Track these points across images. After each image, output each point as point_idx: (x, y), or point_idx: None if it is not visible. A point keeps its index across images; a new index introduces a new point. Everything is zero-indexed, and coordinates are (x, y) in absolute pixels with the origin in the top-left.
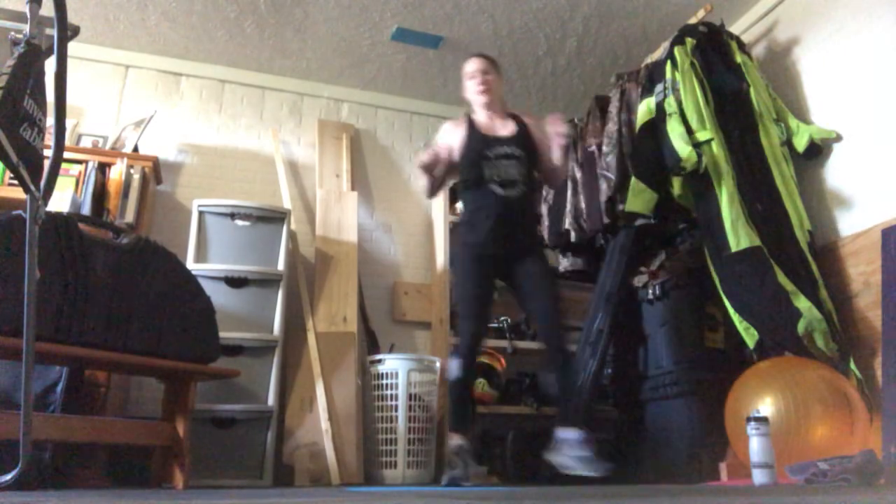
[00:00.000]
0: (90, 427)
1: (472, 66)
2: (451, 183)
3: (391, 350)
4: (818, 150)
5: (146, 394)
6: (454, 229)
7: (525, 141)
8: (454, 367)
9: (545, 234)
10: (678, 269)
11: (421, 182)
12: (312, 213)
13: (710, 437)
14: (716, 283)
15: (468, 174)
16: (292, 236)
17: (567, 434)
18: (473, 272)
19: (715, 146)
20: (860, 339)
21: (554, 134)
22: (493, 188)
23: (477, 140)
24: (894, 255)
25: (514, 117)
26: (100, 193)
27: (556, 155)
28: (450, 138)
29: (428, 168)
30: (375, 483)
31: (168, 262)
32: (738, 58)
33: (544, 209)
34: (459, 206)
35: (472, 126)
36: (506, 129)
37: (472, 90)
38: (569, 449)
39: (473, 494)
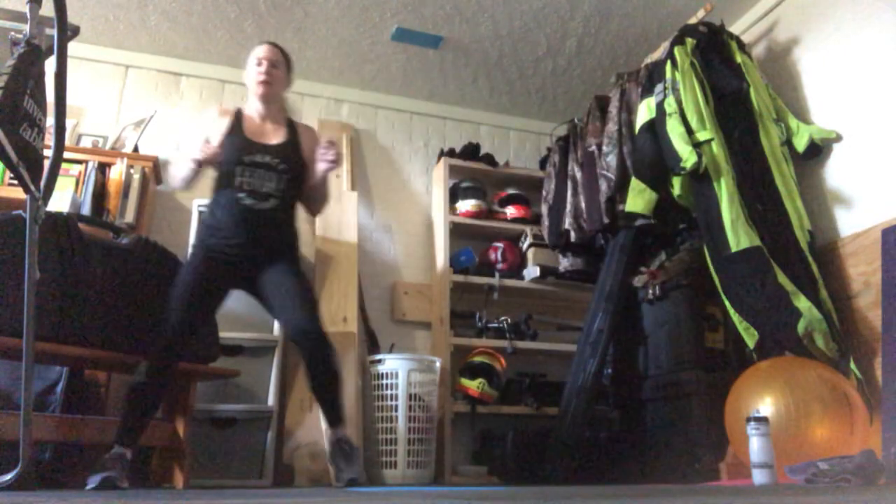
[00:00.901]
0: (90, 427)
1: (261, 51)
2: (202, 176)
3: (391, 350)
4: (818, 150)
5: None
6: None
7: (291, 153)
8: (141, 370)
9: (545, 234)
10: (678, 269)
11: (180, 172)
12: None
13: (710, 437)
14: (716, 283)
15: (220, 176)
16: None
17: (334, 435)
18: (198, 275)
19: (715, 146)
20: (860, 339)
21: (320, 158)
22: (240, 196)
23: (237, 140)
24: (894, 255)
25: (291, 125)
26: (100, 193)
27: (318, 177)
28: (211, 128)
29: (200, 165)
30: (375, 483)
31: (168, 262)
32: (738, 58)
33: (544, 209)
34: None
35: (237, 123)
36: (275, 136)
37: (253, 77)
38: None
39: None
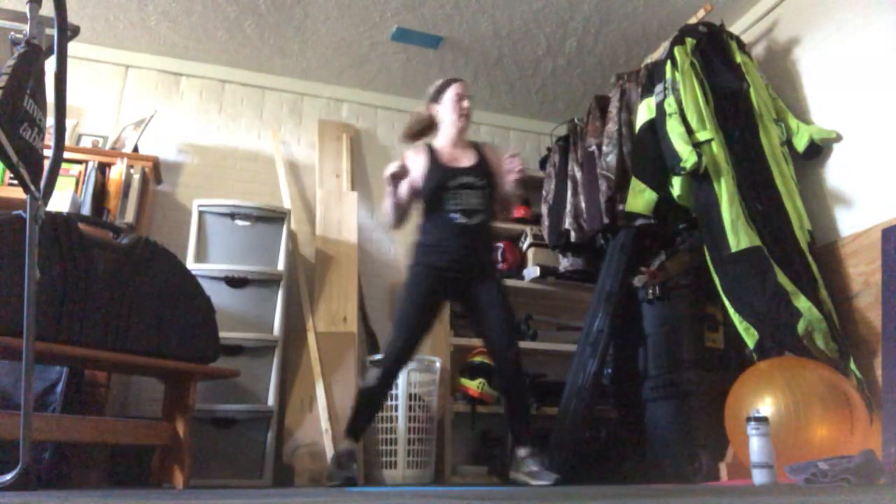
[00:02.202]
0: (90, 427)
1: (461, 88)
2: (413, 212)
3: None
4: (818, 150)
5: (146, 394)
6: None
7: (485, 171)
8: (372, 375)
9: (545, 234)
10: (678, 269)
11: (387, 205)
12: (312, 213)
13: (710, 437)
14: (716, 283)
15: (430, 203)
16: (292, 236)
17: (522, 452)
18: (423, 291)
19: (715, 146)
20: (860, 339)
21: (508, 171)
22: (454, 217)
23: (438, 170)
24: (894, 255)
25: (475, 147)
26: (100, 193)
27: (509, 188)
28: (412, 168)
29: (396, 179)
30: (375, 483)
31: (168, 262)
32: (738, 58)
33: (544, 209)
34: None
35: (433, 155)
36: (466, 158)
37: (456, 111)
38: (524, 465)
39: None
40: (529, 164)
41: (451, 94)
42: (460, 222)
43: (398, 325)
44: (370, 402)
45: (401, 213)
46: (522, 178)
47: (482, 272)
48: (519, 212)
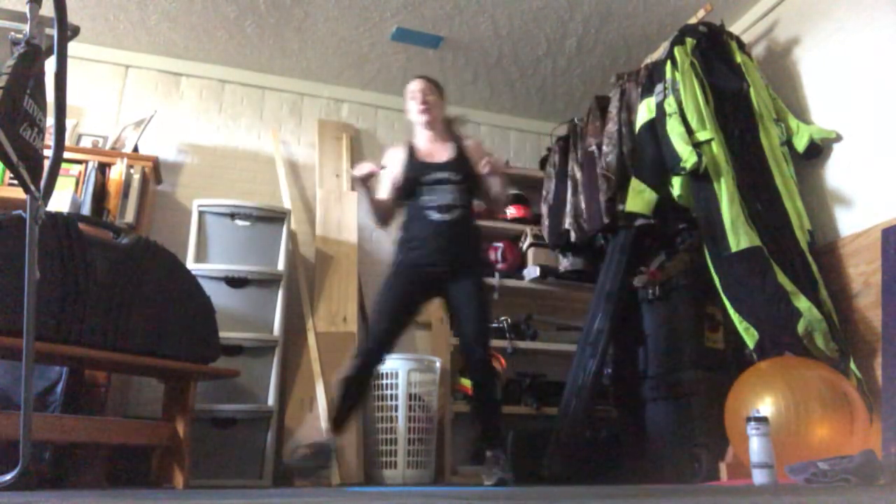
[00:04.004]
0: (90, 427)
1: (413, 86)
2: (398, 211)
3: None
4: (818, 150)
5: (146, 394)
6: None
7: (462, 165)
8: (346, 366)
9: (545, 234)
10: (678, 269)
11: (364, 206)
12: (312, 213)
13: (710, 437)
14: (716, 283)
15: (406, 199)
16: (292, 236)
17: (489, 454)
18: (399, 288)
19: (715, 146)
20: (860, 339)
21: (484, 170)
22: (430, 213)
23: (413, 166)
24: (894, 255)
25: (456, 141)
26: (100, 193)
27: (493, 186)
28: (392, 165)
29: (363, 181)
30: (375, 483)
31: (168, 262)
32: (738, 58)
33: (544, 209)
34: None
35: (410, 152)
36: (445, 152)
37: (413, 110)
38: (489, 467)
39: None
40: (529, 164)
41: (408, 92)
42: (435, 218)
43: (372, 319)
44: (344, 394)
45: (383, 213)
46: (498, 173)
47: (461, 269)
48: (519, 212)
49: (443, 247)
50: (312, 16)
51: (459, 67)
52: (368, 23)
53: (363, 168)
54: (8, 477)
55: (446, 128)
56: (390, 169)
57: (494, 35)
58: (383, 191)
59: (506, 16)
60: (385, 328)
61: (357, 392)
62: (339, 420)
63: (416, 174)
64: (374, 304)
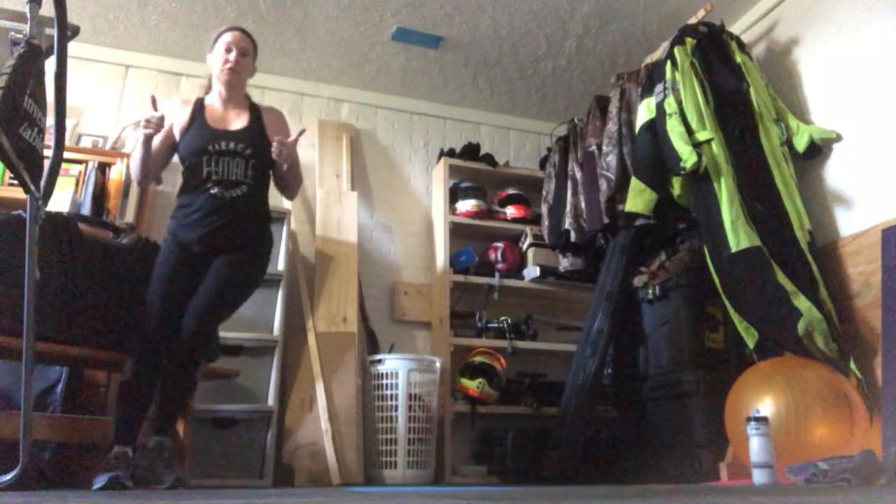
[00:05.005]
0: (90, 427)
1: (229, 37)
2: (164, 169)
3: (391, 350)
4: (818, 150)
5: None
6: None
7: (256, 137)
8: (127, 367)
9: (545, 234)
10: (678, 269)
11: (135, 158)
12: (312, 213)
13: (710, 437)
14: (716, 283)
15: (186, 168)
16: (292, 236)
17: (152, 442)
18: (170, 269)
19: (715, 146)
20: (860, 339)
21: (274, 154)
22: (210, 188)
23: (200, 129)
24: (894, 255)
25: (255, 110)
26: (100, 193)
27: (279, 164)
28: (173, 117)
29: (149, 138)
30: (375, 483)
31: None
32: (738, 58)
33: (544, 209)
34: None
35: (199, 112)
36: (238, 121)
37: (219, 65)
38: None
39: (473, 494)
40: (529, 164)
41: (219, 42)
42: (215, 193)
43: (148, 307)
44: (129, 396)
45: (149, 169)
46: (287, 161)
47: (234, 248)
48: (519, 212)
49: (219, 226)
50: (312, 16)
51: (459, 67)
52: (368, 23)
53: (153, 117)
54: (8, 477)
55: (245, 94)
56: (169, 123)
57: (494, 35)
58: (156, 146)
59: (506, 16)
60: (160, 318)
61: (143, 397)
62: (127, 431)
63: (201, 141)
64: (149, 290)
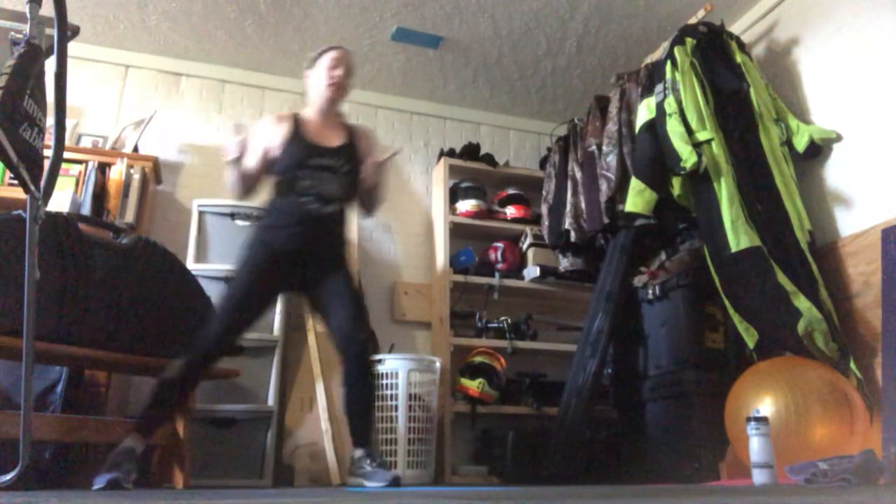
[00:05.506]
0: (90, 427)
1: (336, 54)
2: (264, 183)
3: (391, 350)
4: (818, 150)
5: (146, 394)
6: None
7: (351, 155)
8: (176, 365)
9: (545, 233)
10: (678, 269)
11: (230, 176)
12: None
13: (710, 437)
14: (716, 283)
15: (282, 181)
16: None
17: (358, 453)
18: (256, 277)
19: (715, 146)
20: (860, 339)
21: (374, 163)
22: (305, 201)
23: (299, 144)
24: (894, 255)
25: (348, 128)
26: (100, 193)
27: (368, 182)
28: (269, 135)
29: (237, 160)
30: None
31: (168, 262)
32: (738, 58)
33: (544, 209)
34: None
35: (297, 127)
36: (335, 138)
37: (326, 82)
38: (359, 466)
39: (473, 494)
40: (529, 164)
41: (325, 60)
42: (312, 208)
43: (220, 311)
44: (169, 395)
45: (248, 185)
46: (375, 181)
47: (328, 265)
48: (519, 212)
49: (312, 240)
50: (312, 16)
51: (459, 67)
52: (368, 23)
53: (232, 149)
54: (8, 477)
55: (340, 113)
56: (265, 138)
57: (494, 35)
58: (252, 159)
59: (506, 16)
60: (231, 322)
61: (179, 397)
62: (152, 426)
63: (301, 155)
64: (227, 292)
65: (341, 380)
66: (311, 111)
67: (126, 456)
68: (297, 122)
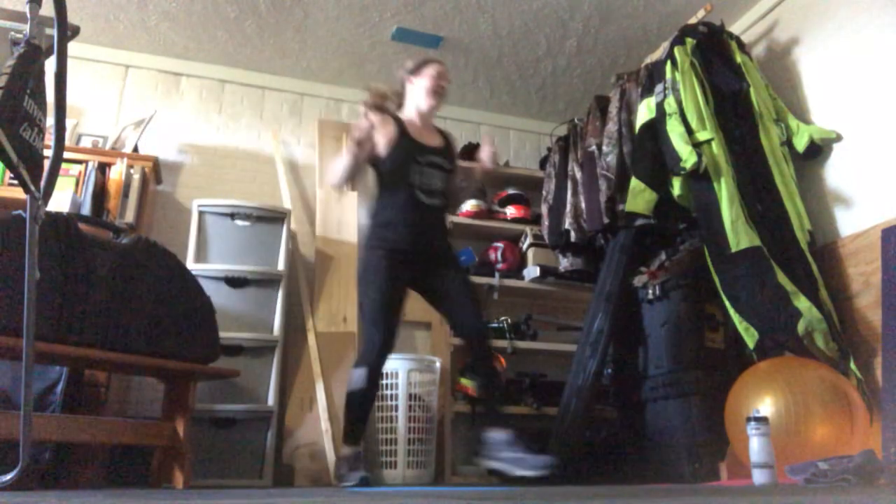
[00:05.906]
0: (90, 427)
1: (440, 67)
2: (361, 178)
3: None
4: (818, 150)
5: (146, 394)
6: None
7: (450, 155)
8: (358, 376)
9: (545, 234)
10: (678, 269)
11: (342, 162)
12: (312, 213)
13: (710, 437)
14: (716, 283)
15: (393, 175)
16: (292, 236)
17: (497, 436)
18: (389, 275)
19: (715, 146)
20: (860, 339)
21: (485, 160)
22: (418, 194)
23: (410, 142)
24: (894, 255)
25: (441, 132)
26: (100, 193)
27: (485, 161)
28: (380, 132)
29: (363, 142)
30: (375, 483)
31: (168, 262)
32: (738, 58)
33: (544, 209)
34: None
35: (402, 127)
36: (435, 139)
37: (428, 90)
38: (502, 452)
39: (473, 494)
40: (529, 164)
41: (430, 70)
42: (422, 200)
43: (372, 319)
44: (363, 404)
45: (352, 175)
46: (478, 177)
47: (442, 258)
48: (519, 212)
49: (425, 230)
50: (312, 16)
51: (459, 67)
52: (368, 23)
53: (365, 126)
54: (8, 477)
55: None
56: (377, 134)
57: (494, 35)
58: (364, 149)
59: (506, 16)
60: (386, 328)
61: (371, 403)
62: (359, 434)
63: (412, 152)
64: (365, 305)
65: (472, 370)
66: (411, 114)
67: (356, 459)
68: (400, 123)
